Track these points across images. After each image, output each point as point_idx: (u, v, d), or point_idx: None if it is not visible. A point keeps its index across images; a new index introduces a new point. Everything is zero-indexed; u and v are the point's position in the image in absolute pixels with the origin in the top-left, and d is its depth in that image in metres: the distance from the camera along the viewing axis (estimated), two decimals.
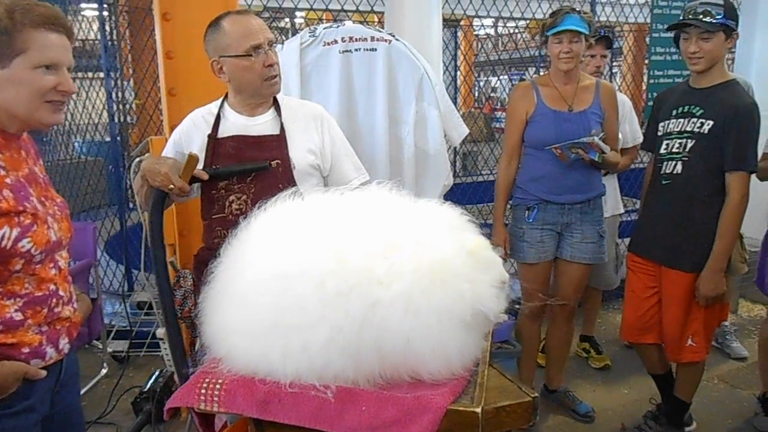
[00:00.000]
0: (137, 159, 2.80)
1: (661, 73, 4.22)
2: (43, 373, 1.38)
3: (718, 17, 2.31)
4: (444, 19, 6.66)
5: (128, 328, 3.66)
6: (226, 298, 1.28)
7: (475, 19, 8.30)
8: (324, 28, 2.83)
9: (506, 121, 2.77)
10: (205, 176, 1.82)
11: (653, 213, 2.58)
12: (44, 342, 1.39)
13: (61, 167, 5.61)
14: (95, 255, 3.25)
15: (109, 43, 5.33)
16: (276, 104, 1.99)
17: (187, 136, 1.99)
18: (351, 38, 2.79)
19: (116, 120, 4.90)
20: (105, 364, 3.50)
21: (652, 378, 2.82)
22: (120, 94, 5.74)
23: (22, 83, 1.29)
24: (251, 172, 1.88)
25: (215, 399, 1.20)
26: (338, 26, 2.86)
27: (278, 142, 1.91)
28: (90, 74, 6.49)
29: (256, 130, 1.93)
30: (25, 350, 1.35)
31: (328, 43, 2.78)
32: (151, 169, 1.79)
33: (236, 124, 1.95)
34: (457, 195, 5.28)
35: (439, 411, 1.08)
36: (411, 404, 1.09)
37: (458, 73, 7.67)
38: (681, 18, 2.43)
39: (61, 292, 1.43)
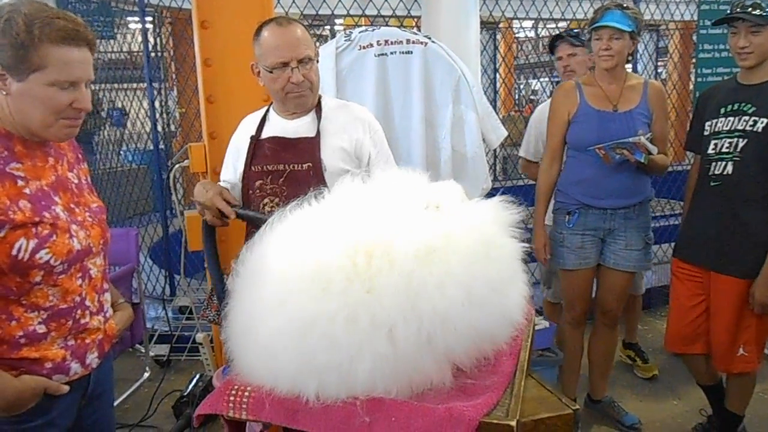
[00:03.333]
0: (177, 165, 2.86)
1: (709, 71, 4.05)
2: (65, 388, 1.35)
3: None
4: (482, 22, 6.58)
5: (169, 332, 3.72)
6: (247, 347, 1.23)
7: (515, 21, 8.20)
8: (359, 32, 2.82)
9: (548, 122, 2.69)
10: (232, 215, 1.89)
11: (701, 216, 2.47)
12: (68, 357, 1.36)
13: (110, 175, 5.77)
14: (137, 260, 3.31)
15: (153, 54, 5.47)
16: (319, 107, 2.00)
17: (238, 140, 2.08)
18: (386, 41, 2.78)
19: (159, 128, 5.01)
20: (147, 368, 3.55)
21: (702, 389, 2.70)
22: (164, 103, 5.89)
23: (37, 98, 1.26)
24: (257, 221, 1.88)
25: (243, 406, 1.18)
26: (373, 30, 2.85)
27: (311, 145, 1.92)
28: (135, 85, 6.66)
29: (293, 132, 1.96)
30: (48, 365, 1.33)
31: (364, 47, 2.77)
32: (196, 199, 1.97)
33: (276, 126, 2.00)
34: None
35: (471, 423, 1.03)
36: (442, 416, 1.05)
37: (497, 75, 7.58)
38: (729, 12, 2.33)
39: (87, 302, 1.40)
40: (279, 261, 1.22)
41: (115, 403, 3.16)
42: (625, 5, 2.49)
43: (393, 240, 1.16)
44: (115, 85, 5.92)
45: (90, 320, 1.41)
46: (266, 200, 1.95)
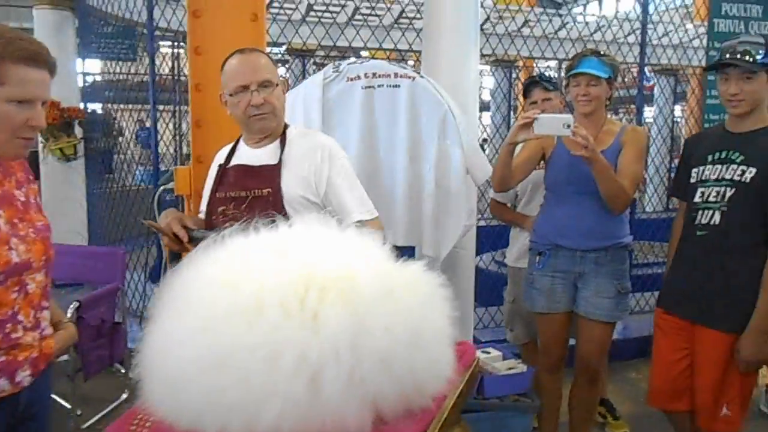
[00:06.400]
0: (162, 188, 2.90)
1: (716, 117, 3.98)
2: None
3: (759, 57, 2.15)
4: (499, 60, 6.60)
5: None
6: (153, 377, 1.19)
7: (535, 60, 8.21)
8: (348, 64, 2.84)
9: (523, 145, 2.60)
10: (185, 238, 1.86)
11: (686, 266, 2.37)
12: None
13: (122, 194, 5.86)
14: (123, 280, 3.32)
15: (170, 76, 5.60)
16: (284, 135, 2.02)
17: (212, 169, 2.12)
18: (374, 74, 2.78)
19: (172, 150, 5.09)
20: (126, 389, 3.52)
21: None
22: (177, 126, 6.02)
23: None
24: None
25: None
26: (362, 62, 2.86)
27: (272, 173, 1.94)
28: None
29: (257, 160, 1.99)
30: None
31: (351, 79, 2.77)
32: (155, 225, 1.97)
33: (243, 154, 2.04)
34: (481, 238, 5.02)
35: None
36: None
37: (511, 114, 7.58)
38: (719, 57, 2.27)
39: (20, 317, 1.40)
40: (205, 287, 1.18)
41: (88, 423, 3.17)
42: (601, 52, 2.50)
43: (352, 278, 1.14)
44: (145, 107, 6.07)
45: (23, 336, 1.40)
46: (227, 224, 1.94)
